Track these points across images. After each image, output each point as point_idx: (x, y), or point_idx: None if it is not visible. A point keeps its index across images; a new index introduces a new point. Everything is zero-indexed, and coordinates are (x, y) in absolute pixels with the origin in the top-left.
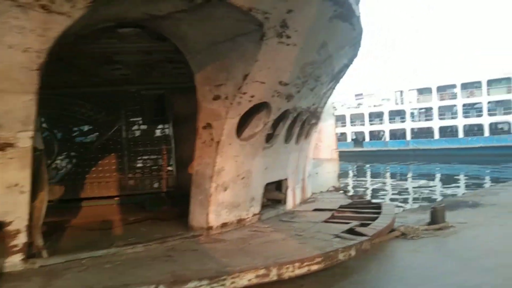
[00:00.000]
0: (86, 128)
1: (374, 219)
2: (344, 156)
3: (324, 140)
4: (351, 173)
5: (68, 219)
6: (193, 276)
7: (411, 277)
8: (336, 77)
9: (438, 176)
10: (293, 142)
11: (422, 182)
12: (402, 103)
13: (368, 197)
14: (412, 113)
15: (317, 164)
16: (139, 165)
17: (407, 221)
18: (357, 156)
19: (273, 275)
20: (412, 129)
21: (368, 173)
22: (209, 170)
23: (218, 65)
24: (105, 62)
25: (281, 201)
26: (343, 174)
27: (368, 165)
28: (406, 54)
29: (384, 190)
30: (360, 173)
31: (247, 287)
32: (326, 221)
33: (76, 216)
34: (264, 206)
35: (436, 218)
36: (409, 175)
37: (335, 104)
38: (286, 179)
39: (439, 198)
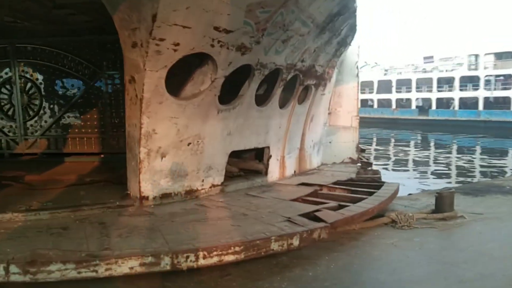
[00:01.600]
0: (69, 80)
1: (361, 200)
2: (407, 125)
3: (344, 105)
4: (412, 144)
5: (23, 175)
6: (57, 258)
7: (358, 282)
8: (330, 30)
9: (510, 153)
10: (274, 105)
11: (482, 158)
12: (476, 69)
13: (394, 172)
14: (487, 81)
15: (331, 131)
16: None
17: (415, 205)
18: (420, 125)
19: (164, 265)
20: (486, 99)
21: (432, 144)
22: (136, 132)
23: (129, 2)
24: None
25: (262, 172)
26: (403, 144)
27: (432, 134)
28: (482, 12)
29: (427, 165)
30: (424, 143)
31: (132, 275)
32: (296, 200)
33: (40, 172)
34: (233, 177)
35: (440, 205)
36: (475, 149)
37: (372, 65)
38: (267, 148)
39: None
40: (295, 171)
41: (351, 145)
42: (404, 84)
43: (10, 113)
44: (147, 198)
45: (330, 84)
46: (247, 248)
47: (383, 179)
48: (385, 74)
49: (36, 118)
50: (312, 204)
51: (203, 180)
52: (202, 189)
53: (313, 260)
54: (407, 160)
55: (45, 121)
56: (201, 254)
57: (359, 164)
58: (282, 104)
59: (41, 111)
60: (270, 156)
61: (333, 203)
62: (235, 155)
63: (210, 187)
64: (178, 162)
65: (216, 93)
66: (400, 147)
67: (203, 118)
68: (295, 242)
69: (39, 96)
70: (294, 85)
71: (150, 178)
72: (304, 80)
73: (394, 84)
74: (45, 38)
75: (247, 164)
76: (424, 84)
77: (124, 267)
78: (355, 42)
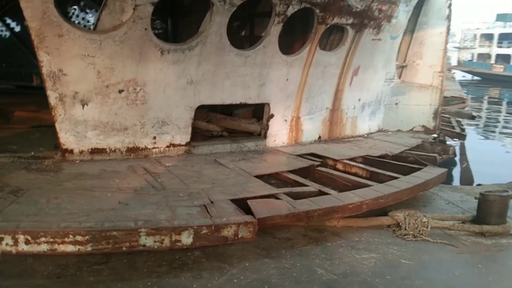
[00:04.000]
0: None
1: (366, 186)
2: None
3: (425, 56)
4: None
5: None
6: None
7: None
8: None
9: None
10: (270, 50)
11: None
12: None
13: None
14: None
15: (400, 90)
16: None
17: (465, 203)
18: None
19: None
20: None
21: None
22: (41, 71)
23: None
24: None
25: (259, 135)
26: None
27: None
28: None
29: None
30: None
31: None
32: (268, 175)
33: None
34: (212, 137)
35: (484, 213)
36: None
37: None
38: (266, 105)
39: None
40: (320, 137)
41: (427, 109)
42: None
43: None
44: (71, 151)
45: (392, 26)
46: (97, 240)
47: (459, 160)
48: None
49: None
50: (287, 184)
51: (154, 138)
52: (154, 148)
53: (222, 264)
54: None
55: None
56: (21, 237)
57: (435, 135)
58: (290, 49)
59: None
60: (272, 115)
61: (312, 188)
62: (221, 111)
63: (168, 147)
64: (109, 112)
65: (145, 26)
66: None
67: (135, 59)
68: (185, 239)
69: None
70: (309, 24)
71: (72, 129)
72: (327, 17)
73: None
74: None
75: (233, 123)
76: None
77: None
78: None
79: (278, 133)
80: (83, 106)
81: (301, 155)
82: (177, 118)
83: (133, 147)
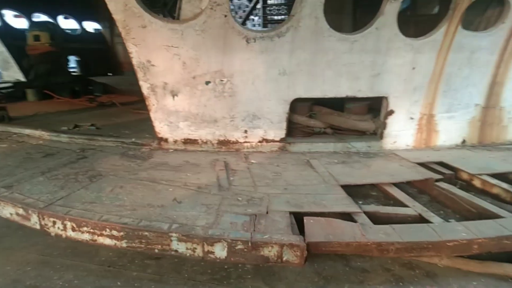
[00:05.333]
0: None
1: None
2: None
3: None
4: None
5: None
6: None
7: None
8: None
9: None
10: (385, 32)
11: None
12: None
13: None
14: None
15: None
16: None
17: None
18: None
19: (34, 222)
20: None
21: None
22: (132, 61)
23: None
24: None
25: (373, 134)
26: None
27: None
28: None
29: None
30: None
31: None
32: (355, 185)
33: None
34: (315, 134)
35: None
36: None
37: None
38: (384, 99)
39: None
40: (464, 141)
41: None
42: None
43: None
44: (166, 140)
45: None
46: (131, 237)
47: None
48: None
49: None
50: (388, 199)
51: (245, 132)
52: (246, 142)
53: (265, 287)
54: None
55: None
56: (69, 224)
57: None
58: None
59: None
60: (391, 111)
61: (412, 210)
62: (331, 105)
63: (260, 142)
64: (198, 104)
65: (225, 12)
66: None
67: (219, 49)
68: (219, 251)
69: None
70: None
71: (165, 119)
72: None
73: None
74: None
75: (339, 119)
76: None
77: (6, 211)
78: None
79: (400, 133)
80: (173, 97)
81: (423, 164)
82: (269, 112)
83: (224, 140)
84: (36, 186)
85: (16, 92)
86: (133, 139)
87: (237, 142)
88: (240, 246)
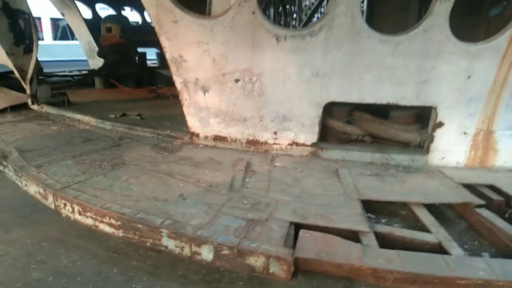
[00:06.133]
0: None
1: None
2: None
3: None
4: None
5: None
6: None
7: None
8: None
9: None
10: (435, 34)
11: None
12: None
13: None
14: None
15: None
16: None
17: None
18: None
19: (50, 202)
20: None
21: None
22: (166, 55)
23: None
24: None
25: (418, 147)
26: None
27: None
28: None
29: None
30: None
31: None
32: (378, 202)
33: None
34: (352, 142)
35: None
36: None
37: None
38: (433, 109)
39: None
40: None
41: None
42: None
43: None
44: (197, 135)
45: None
46: (126, 228)
47: None
48: None
49: None
50: (416, 220)
51: (275, 133)
52: (275, 144)
53: None
54: None
55: None
56: (76, 208)
57: None
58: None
59: None
60: (440, 123)
61: (432, 237)
62: (375, 112)
63: (290, 145)
64: (227, 101)
65: (253, 9)
66: None
67: (248, 46)
68: (206, 254)
69: None
70: None
71: (196, 114)
72: None
73: None
74: None
75: (379, 127)
76: None
77: (32, 189)
78: None
79: (451, 149)
80: (204, 93)
81: (470, 185)
82: (301, 115)
83: (253, 139)
84: (62, 168)
85: (86, 79)
86: (168, 132)
87: (266, 143)
88: (226, 251)
